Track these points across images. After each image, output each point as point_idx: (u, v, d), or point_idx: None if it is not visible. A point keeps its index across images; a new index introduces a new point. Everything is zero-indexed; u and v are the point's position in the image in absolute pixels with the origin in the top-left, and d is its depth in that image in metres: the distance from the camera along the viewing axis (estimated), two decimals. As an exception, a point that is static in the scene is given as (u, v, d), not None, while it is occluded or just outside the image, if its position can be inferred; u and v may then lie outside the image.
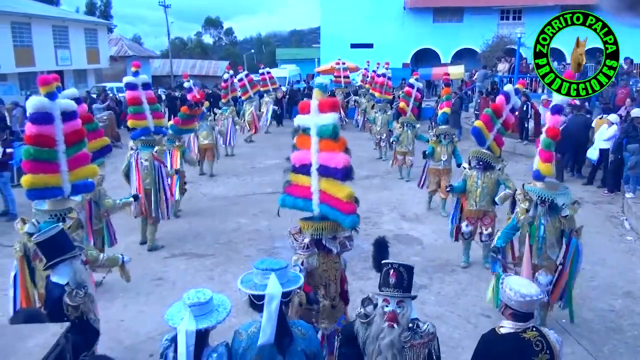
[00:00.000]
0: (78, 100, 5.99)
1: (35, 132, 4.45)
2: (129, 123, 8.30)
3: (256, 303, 2.83)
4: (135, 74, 8.17)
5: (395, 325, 2.86)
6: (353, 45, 33.66)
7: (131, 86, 8.16)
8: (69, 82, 30.07)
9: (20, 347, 2.21)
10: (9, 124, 14.10)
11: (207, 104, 13.34)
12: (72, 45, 29.98)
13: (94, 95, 22.86)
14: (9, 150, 9.59)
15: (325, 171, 3.98)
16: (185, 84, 13.10)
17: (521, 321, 2.97)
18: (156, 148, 8.03)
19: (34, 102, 4.47)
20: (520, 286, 2.97)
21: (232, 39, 70.74)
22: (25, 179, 4.50)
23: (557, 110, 5.16)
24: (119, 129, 17.89)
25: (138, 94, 8.12)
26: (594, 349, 5.19)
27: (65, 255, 3.71)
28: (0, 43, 24.25)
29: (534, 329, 2.97)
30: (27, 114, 4.62)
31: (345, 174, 3.87)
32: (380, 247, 3.52)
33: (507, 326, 3.02)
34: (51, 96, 4.53)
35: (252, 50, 58.92)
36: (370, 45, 33.46)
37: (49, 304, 3.78)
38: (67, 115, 4.66)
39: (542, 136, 5.22)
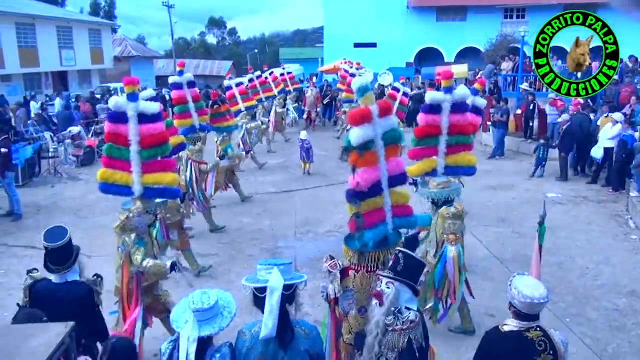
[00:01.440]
0: (154, 99, 5.53)
1: (109, 130, 4.66)
2: (176, 123, 8.18)
3: (259, 296, 2.82)
4: (180, 73, 8.32)
5: (379, 304, 3.03)
6: (357, 45, 33.61)
7: (176, 86, 8.28)
8: (74, 83, 30.26)
9: (23, 347, 2.22)
10: (13, 124, 14.18)
11: (253, 102, 13.34)
12: (77, 45, 30.14)
13: (98, 96, 22.91)
14: (3, 150, 9.09)
15: (394, 181, 3.66)
16: (225, 83, 13.15)
17: (525, 320, 2.94)
18: (190, 147, 8.03)
19: (112, 101, 4.64)
20: (525, 287, 2.91)
21: (235, 39, 70.86)
22: (99, 172, 4.74)
23: (426, 109, 4.93)
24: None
25: (183, 93, 8.26)
26: (598, 348, 5.16)
27: (78, 253, 3.83)
28: (5, 44, 24.39)
29: (538, 328, 2.93)
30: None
31: (407, 176, 3.80)
32: (408, 244, 3.52)
33: (510, 324, 2.99)
34: (132, 97, 4.58)
35: (256, 50, 58.93)
36: (373, 45, 33.44)
37: (81, 305, 3.67)
38: (146, 117, 4.64)
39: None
